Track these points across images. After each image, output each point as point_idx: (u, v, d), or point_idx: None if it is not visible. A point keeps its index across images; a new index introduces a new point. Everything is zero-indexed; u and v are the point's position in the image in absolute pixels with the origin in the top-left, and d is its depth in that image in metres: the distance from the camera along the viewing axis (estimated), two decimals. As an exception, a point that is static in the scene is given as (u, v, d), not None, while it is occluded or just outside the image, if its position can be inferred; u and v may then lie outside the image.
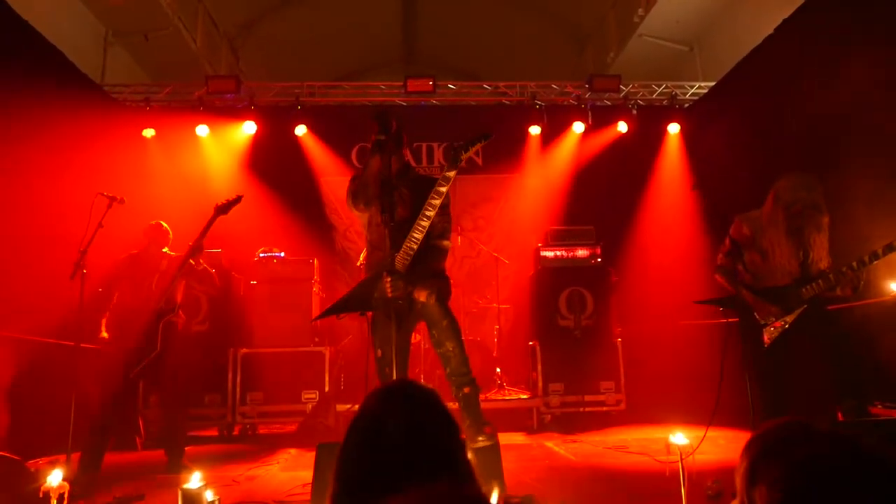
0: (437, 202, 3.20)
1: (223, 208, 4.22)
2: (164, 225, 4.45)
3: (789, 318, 3.31)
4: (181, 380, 4.24)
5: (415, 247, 3.21)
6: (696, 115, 7.52)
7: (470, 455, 1.15)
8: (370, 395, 1.20)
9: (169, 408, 4.22)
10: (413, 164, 7.62)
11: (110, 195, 3.94)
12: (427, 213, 3.21)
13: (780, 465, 0.91)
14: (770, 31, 5.88)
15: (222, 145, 7.32)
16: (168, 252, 4.38)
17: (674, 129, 7.49)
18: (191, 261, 4.17)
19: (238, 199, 4.31)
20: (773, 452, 0.93)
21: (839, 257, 3.36)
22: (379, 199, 3.24)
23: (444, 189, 3.22)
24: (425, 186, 3.31)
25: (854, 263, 3.13)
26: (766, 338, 3.35)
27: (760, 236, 3.46)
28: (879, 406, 3.72)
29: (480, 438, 3.11)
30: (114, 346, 4.01)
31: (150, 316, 4.03)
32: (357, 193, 3.37)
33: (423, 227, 3.22)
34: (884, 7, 4.39)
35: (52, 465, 3.46)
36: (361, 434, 1.12)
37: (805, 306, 3.29)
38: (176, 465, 4.00)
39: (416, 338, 5.72)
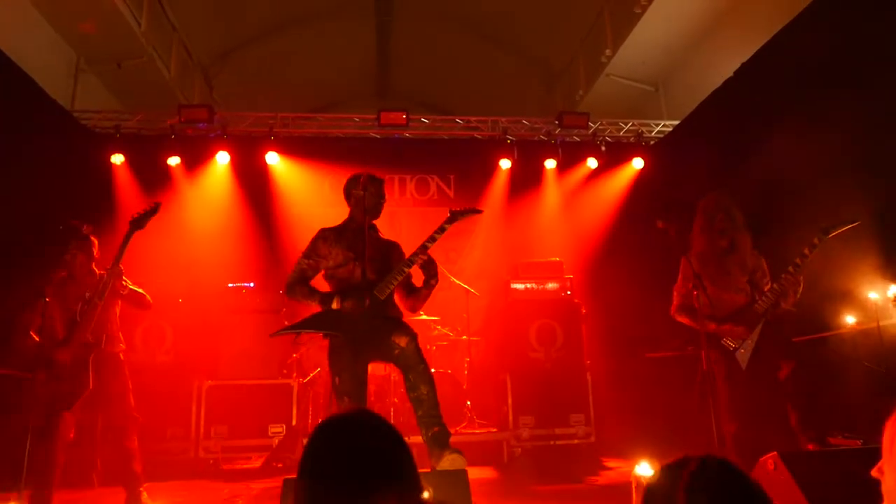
0: (431, 245, 3.52)
1: (138, 222, 3.87)
2: (91, 240, 4.04)
3: (755, 336, 3.42)
4: (139, 413, 4.05)
5: (399, 278, 3.47)
6: (661, 153, 7.75)
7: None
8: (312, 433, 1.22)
9: (125, 442, 3.95)
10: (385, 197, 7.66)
11: (76, 223, 3.86)
12: (420, 254, 3.50)
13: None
14: (730, 73, 6.16)
15: (193, 174, 7.27)
16: (95, 270, 4.02)
17: (638, 164, 7.69)
18: (117, 284, 3.87)
19: (155, 209, 3.95)
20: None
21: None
22: (352, 243, 3.62)
23: (438, 237, 3.56)
24: (389, 245, 3.79)
25: (797, 260, 3.32)
26: (740, 360, 3.43)
27: (706, 264, 3.61)
28: (839, 436, 3.81)
29: (449, 458, 3.10)
30: (48, 381, 3.68)
31: (76, 348, 3.70)
32: (319, 242, 3.71)
33: (412, 264, 3.49)
34: (840, 51, 4.63)
35: (5, 502, 3.32)
36: (301, 467, 1.17)
37: (763, 321, 3.42)
38: (135, 502, 3.87)
39: (385, 369, 5.68)
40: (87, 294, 3.81)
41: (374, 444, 1.14)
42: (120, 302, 4.08)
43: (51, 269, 3.66)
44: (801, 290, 3.41)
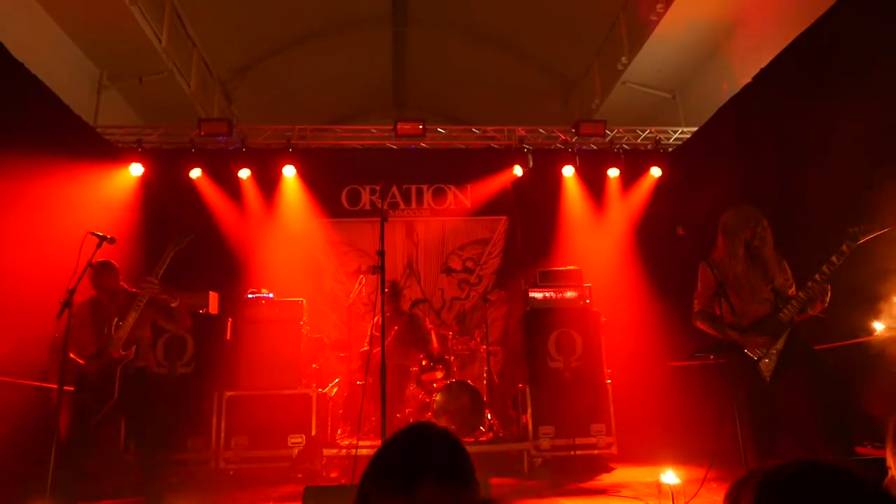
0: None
1: (178, 242, 4.03)
2: (112, 263, 4.20)
3: (779, 346, 3.35)
4: (160, 424, 4.10)
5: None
6: (679, 160, 7.69)
7: None
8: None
9: (146, 453, 4.03)
10: (402, 205, 7.71)
11: (101, 235, 3.92)
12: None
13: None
14: (748, 79, 6.10)
15: (214, 187, 7.36)
16: (126, 288, 4.17)
17: (656, 172, 7.64)
18: (164, 296, 4.01)
19: (193, 231, 4.12)
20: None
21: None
22: None
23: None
24: None
25: (825, 268, 3.24)
26: (764, 371, 3.37)
27: (726, 274, 3.56)
28: (868, 446, 3.71)
29: None
30: (78, 394, 3.85)
31: (106, 362, 3.90)
32: None
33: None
34: (859, 55, 4.57)
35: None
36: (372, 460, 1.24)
37: (788, 330, 3.35)
38: (156, 512, 3.89)
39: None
40: (121, 310, 3.95)
41: (433, 447, 1.22)
42: (151, 319, 4.15)
43: (80, 285, 3.70)
44: (828, 298, 3.34)
